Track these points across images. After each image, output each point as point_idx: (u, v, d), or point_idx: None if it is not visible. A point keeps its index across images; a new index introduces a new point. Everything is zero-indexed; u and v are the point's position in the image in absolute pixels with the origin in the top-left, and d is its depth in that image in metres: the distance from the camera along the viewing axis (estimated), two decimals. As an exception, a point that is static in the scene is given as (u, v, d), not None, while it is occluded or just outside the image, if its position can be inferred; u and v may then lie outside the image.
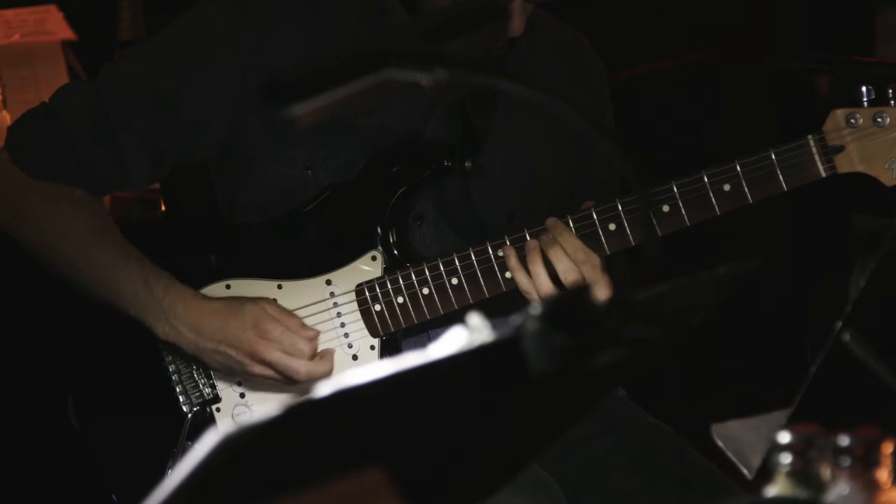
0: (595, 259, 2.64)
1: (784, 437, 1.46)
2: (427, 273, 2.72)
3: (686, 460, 2.71)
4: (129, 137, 2.73)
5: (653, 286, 1.50)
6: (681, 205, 2.67)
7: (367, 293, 2.75)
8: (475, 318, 1.42)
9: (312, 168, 2.77)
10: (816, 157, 2.65)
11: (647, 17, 4.91)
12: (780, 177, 2.65)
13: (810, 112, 2.96)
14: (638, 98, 4.66)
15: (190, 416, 2.78)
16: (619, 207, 2.67)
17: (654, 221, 2.66)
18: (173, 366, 2.78)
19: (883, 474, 1.45)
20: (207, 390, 2.78)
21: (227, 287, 2.77)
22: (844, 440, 1.45)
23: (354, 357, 2.76)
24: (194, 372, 2.78)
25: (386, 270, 2.75)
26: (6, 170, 2.76)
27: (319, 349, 2.72)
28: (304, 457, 1.36)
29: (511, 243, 2.68)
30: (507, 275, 2.69)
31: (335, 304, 2.76)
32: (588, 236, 2.67)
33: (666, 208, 2.67)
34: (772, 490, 1.48)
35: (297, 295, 2.76)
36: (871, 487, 1.45)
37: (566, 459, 2.75)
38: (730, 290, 1.60)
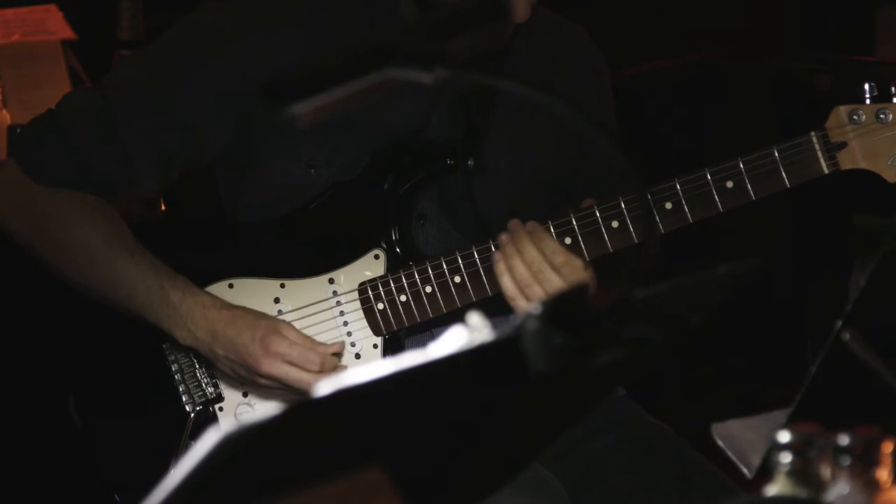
0: (577, 262, 2.63)
1: (784, 437, 1.46)
2: (430, 271, 2.72)
3: (686, 460, 2.71)
4: (132, 135, 2.73)
5: (653, 286, 1.50)
6: (684, 202, 2.66)
7: (369, 292, 2.75)
8: (475, 318, 1.42)
9: (315, 167, 2.77)
10: (819, 154, 2.65)
11: (647, 16, 4.91)
12: (783, 173, 2.65)
13: (810, 112, 2.95)
14: (638, 98, 4.66)
15: (192, 415, 2.78)
16: (622, 205, 2.67)
17: (657, 218, 2.66)
18: (176, 365, 2.78)
19: (883, 474, 1.45)
20: (210, 389, 2.78)
21: (230, 286, 2.77)
22: (844, 439, 1.45)
23: (357, 356, 2.76)
24: (197, 371, 2.78)
25: (389, 269, 2.76)
26: (17, 180, 2.75)
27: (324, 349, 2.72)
28: (304, 457, 1.36)
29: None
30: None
31: (338, 303, 2.76)
32: (591, 234, 2.67)
33: (669, 205, 2.67)
34: (772, 489, 1.48)
35: (299, 294, 2.76)
36: (871, 487, 1.45)
37: (566, 459, 2.75)
38: (730, 290, 1.60)
